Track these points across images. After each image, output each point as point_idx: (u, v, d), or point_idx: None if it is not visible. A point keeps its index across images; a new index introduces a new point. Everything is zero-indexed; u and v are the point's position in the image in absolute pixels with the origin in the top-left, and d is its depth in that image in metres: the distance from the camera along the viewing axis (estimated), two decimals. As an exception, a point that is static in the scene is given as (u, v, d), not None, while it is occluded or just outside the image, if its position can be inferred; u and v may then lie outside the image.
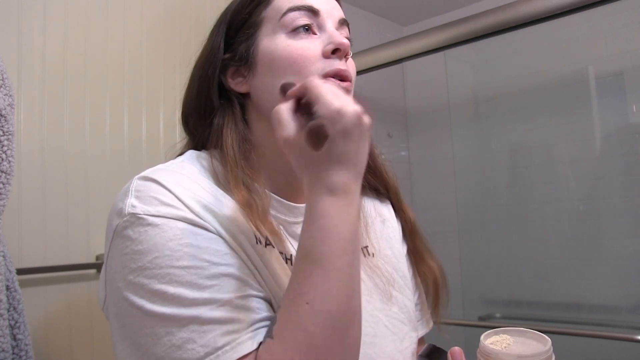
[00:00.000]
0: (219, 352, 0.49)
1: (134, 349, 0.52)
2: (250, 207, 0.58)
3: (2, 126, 0.73)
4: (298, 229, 0.65)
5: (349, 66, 0.65)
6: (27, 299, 0.85)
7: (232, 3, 0.69)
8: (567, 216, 1.95)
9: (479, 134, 2.26)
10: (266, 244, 0.59)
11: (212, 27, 0.70)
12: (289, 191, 0.66)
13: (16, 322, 0.78)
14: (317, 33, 0.63)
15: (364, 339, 0.62)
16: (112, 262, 0.56)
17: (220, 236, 0.55)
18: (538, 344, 0.56)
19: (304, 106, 0.50)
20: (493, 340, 0.58)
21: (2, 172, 0.72)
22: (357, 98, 0.52)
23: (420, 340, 0.77)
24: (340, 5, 0.70)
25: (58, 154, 1.19)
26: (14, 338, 0.78)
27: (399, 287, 0.71)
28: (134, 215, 0.53)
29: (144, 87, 1.37)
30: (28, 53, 1.15)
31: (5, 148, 0.73)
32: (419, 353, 0.53)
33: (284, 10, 0.63)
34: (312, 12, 0.63)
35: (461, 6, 2.18)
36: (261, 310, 0.53)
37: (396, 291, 0.70)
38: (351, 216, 0.50)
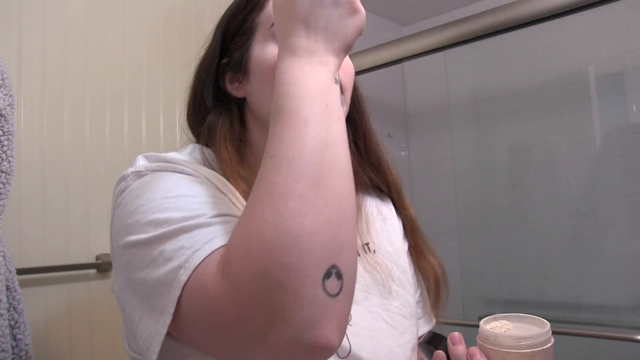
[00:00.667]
0: (206, 245, 0.46)
1: (137, 289, 0.50)
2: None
3: (2, 126, 0.73)
4: None
5: (344, 71, 0.64)
6: (27, 299, 0.85)
7: (228, 8, 0.70)
8: (567, 216, 1.95)
9: (479, 134, 2.26)
10: None
11: (213, 29, 0.71)
12: None
13: (16, 322, 0.78)
14: None
15: (362, 332, 0.62)
16: (115, 222, 0.56)
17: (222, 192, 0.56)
18: (537, 328, 0.57)
19: None
20: (492, 326, 0.60)
21: (2, 172, 0.72)
22: None
23: None
24: None
25: (58, 154, 1.19)
26: (14, 338, 0.78)
27: (401, 283, 0.72)
28: (135, 172, 0.57)
29: (144, 87, 1.37)
30: (28, 53, 1.15)
31: (5, 148, 0.73)
32: (420, 340, 0.54)
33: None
34: None
35: (461, 6, 2.18)
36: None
37: (397, 286, 0.71)
38: (319, 74, 0.48)
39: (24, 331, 0.80)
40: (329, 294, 0.41)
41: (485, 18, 1.46)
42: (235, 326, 0.42)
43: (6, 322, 0.75)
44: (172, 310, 0.45)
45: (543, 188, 2.01)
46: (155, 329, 0.46)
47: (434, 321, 0.80)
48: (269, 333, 0.40)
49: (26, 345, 0.80)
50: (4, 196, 0.73)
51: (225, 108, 0.68)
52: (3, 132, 0.73)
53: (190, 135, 0.75)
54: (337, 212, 0.43)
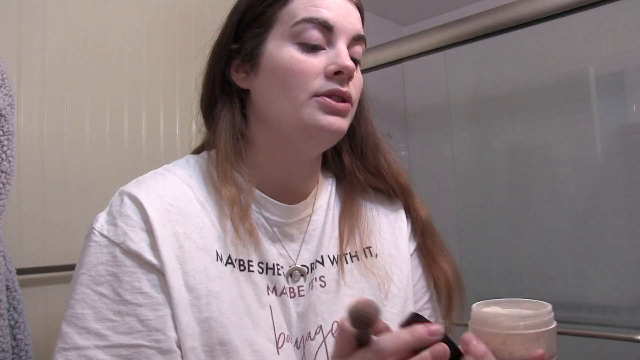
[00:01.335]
0: None
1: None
2: (234, 204, 0.59)
3: (2, 126, 0.73)
4: (292, 229, 0.66)
5: (355, 84, 0.63)
6: (27, 299, 0.85)
7: None
8: (567, 216, 1.95)
9: (479, 134, 2.26)
10: (227, 263, 0.59)
11: (229, 12, 0.68)
12: (284, 194, 0.66)
13: (16, 322, 0.78)
14: (326, 48, 0.61)
15: None
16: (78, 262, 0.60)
17: (160, 264, 0.55)
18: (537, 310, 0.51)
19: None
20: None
21: (2, 172, 0.72)
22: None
23: None
24: (363, 14, 0.67)
25: (58, 154, 1.19)
26: (14, 338, 0.78)
27: (402, 286, 0.70)
28: (92, 228, 0.58)
29: (144, 87, 1.37)
30: (28, 53, 1.15)
31: (5, 148, 0.73)
32: (399, 323, 0.49)
33: (298, 19, 0.60)
34: (326, 27, 0.60)
35: (461, 6, 2.18)
36: None
37: (398, 290, 0.69)
38: None
39: (24, 331, 0.80)
40: None
41: (485, 18, 1.46)
42: None
43: (6, 322, 0.75)
44: None
45: (543, 188, 2.01)
46: None
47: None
48: None
49: (26, 345, 0.80)
50: (4, 196, 0.73)
51: (228, 100, 0.66)
52: (3, 132, 0.73)
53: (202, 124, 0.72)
54: None
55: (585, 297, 1.84)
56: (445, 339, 0.45)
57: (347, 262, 0.68)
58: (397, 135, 2.42)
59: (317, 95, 0.59)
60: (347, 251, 0.69)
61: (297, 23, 0.60)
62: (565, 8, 1.31)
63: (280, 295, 0.62)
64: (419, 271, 0.75)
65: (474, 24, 1.48)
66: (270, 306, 0.61)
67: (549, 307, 0.50)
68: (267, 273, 0.62)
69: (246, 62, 0.64)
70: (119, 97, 1.31)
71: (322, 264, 0.66)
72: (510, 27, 1.41)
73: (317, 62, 0.60)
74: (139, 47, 1.37)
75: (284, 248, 0.65)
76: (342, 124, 0.60)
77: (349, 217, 0.70)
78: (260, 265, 0.62)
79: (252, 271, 0.61)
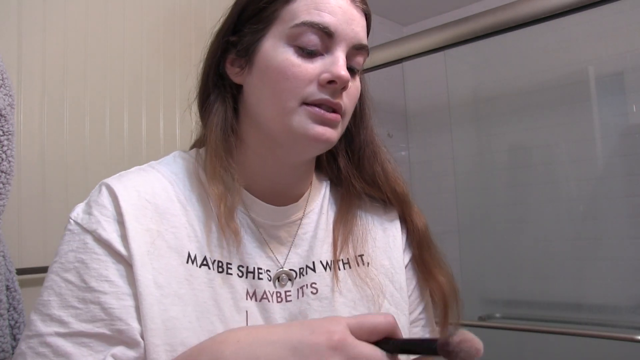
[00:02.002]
0: None
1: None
2: (221, 202, 0.58)
3: (2, 126, 0.73)
4: (281, 232, 0.64)
5: (349, 95, 0.61)
6: (27, 299, 0.85)
7: None
8: (567, 216, 1.95)
9: (479, 134, 2.26)
10: (202, 264, 0.58)
11: (232, 4, 0.66)
12: (273, 195, 0.64)
13: (16, 322, 0.78)
14: (324, 54, 0.59)
15: None
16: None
17: (129, 255, 0.55)
18: None
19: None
20: None
21: (2, 172, 0.72)
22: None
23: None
24: (370, 22, 0.64)
25: (58, 154, 1.19)
26: (14, 338, 0.78)
27: (394, 301, 0.68)
28: (69, 217, 0.58)
29: (144, 87, 1.37)
30: (28, 53, 1.15)
31: (5, 148, 0.73)
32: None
33: (298, 21, 0.57)
34: (326, 33, 0.57)
35: (461, 6, 2.19)
36: (102, 351, 0.52)
37: (389, 304, 0.67)
38: None
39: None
40: None
41: (485, 18, 1.46)
42: None
43: (6, 322, 0.75)
44: None
45: (543, 188, 2.01)
46: None
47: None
48: None
49: (26, 345, 0.80)
50: (4, 196, 0.73)
51: (221, 93, 0.64)
52: (3, 132, 0.73)
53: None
54: None
55: (585, 297, 1.84)
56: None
57: (339, 269, 0.66)
58: (397, 135, 2.43)
59: (306, 103, 0.57)
60: (340, 257, 0.67)
61: (297, 25, 0.58)
62: (565, 8, 1.31)
63: (260, 301, 0.60)
64: (413, 282, 0.73)
65: (474, 24, 1.48)
66: (247, 311, 0.59)
67: None
68: (246, 277, 0.60)
69: (242, 57, 0.62)
70: (119, 97, 1.31)
71: (314, 270, 0.65)
72: (510, 27, 1.41)
73: (311, 68, 0.58)
74: (139, 47, 1.37)
75: (272, 251, 0.63)
76: (331, 134, 0.58)
77: (343, 223, 0.68)
78: (240, 268, 0.60)
79: (231, 274, 0.59)
